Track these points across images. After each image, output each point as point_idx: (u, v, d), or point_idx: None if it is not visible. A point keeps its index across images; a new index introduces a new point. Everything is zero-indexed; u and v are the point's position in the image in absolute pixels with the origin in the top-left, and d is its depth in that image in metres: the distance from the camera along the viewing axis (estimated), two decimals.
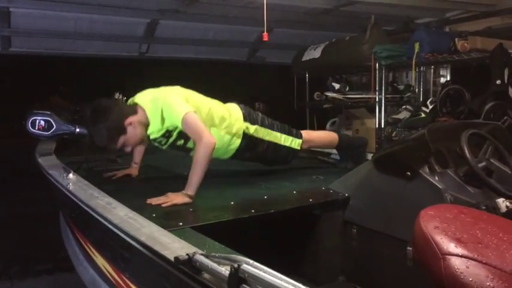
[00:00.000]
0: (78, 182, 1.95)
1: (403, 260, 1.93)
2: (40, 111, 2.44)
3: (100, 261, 1.85)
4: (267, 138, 2.62)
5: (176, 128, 2.30)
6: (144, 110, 2.29)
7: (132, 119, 2.23)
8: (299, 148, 2.73)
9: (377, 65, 4.03)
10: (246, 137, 2.55)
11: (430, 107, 3.68)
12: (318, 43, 4.86)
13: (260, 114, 2.67)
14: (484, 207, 1.71)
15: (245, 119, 2.56)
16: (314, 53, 4.76)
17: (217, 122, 2.44)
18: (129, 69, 6.12)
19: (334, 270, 2.24)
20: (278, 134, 2.66)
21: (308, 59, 4.83)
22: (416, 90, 4.35)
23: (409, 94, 4.26)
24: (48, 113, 2.45)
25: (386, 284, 2.04)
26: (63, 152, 2.95)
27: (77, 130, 2.49)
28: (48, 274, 4.14)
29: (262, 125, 2.62)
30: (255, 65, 6.10)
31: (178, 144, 2.41)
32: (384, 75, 4.07)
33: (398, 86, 4.55)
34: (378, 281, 2.09)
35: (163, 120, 2.26)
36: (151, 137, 2.38)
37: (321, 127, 5.06)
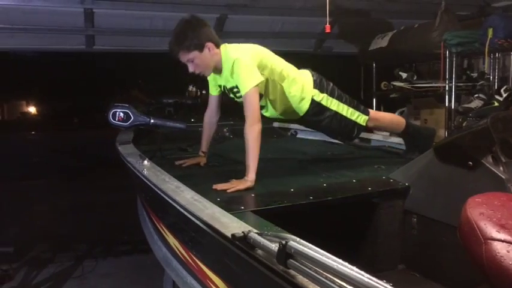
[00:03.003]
0: (152, 168, 2.14)
1: (463, 249, 1.92)
2: (120, 104, 2.68)
3: (171, 240, 2.03)
4: (333, 108, 2.65)
5: None
6: (221, 55, 2.43)
7: (214, 46, 2.39)
8: (364, 124, 2.72)
9: (447, 52, 3.89)
10: (313, 103, 2.61)
11: (504, 95, 3.50)
12: (386, 32, 4.77)
13: (331, 84, 2.69)
14: None
15: (315, 86, 2.62)
16: (381, 42, 4.69)
17: (289, 82, 2.54)
18: None
19: (393, 258, 2.26)
20: (345, 106, 2.67)
21: (375, 48, 4.77)
22: (491, 77, 4.13)
23: (482, 82, 4.07)
24: (127, 105, 2.68)
25: (446, 273, 2.04)
26: (139, 141, 3.22)
27: (151, 121, 2.69)
28: (127, 255, 4.51)
29: (331, 94, 2.65)
30: (322, 55, 6.11)
31: None
32: (454, 62, 3.92)
33: (472, 74, 4.36)
34: (438, 270, 2.08)
35: (232, 74, 2.39)
36: (228, 85, 2.51)
37: None
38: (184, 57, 2.40)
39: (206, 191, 1.99)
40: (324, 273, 0.97)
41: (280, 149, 3.46)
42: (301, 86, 2.59)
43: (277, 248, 1.08)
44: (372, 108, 5.01)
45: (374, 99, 5.00)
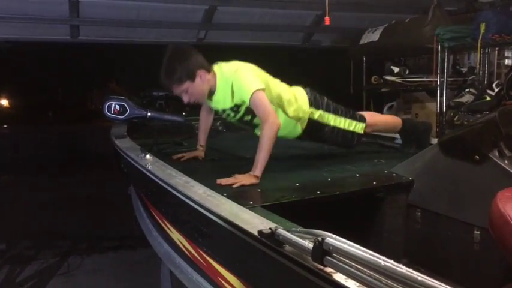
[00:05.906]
0: (156, 162, 2.07)
1: (469, 243, 1.94)
2: (115, 97, 2.60)
3: (176, 236, 1.98)
4: (331, 123, 2.66)
5: (244, 103, 2.37)
6: (216, 76, 2.38)
7: (205, 73, 2.34)
8: (362, 132, 2.74)
9: (439, 47, 3.91)
10: (311, 121, 2.60)
11: (496, 90, 3.53)
12: (376, 26, 4.76)
13: (325, 99, 2.69)
14: None
15: (310, 104, 2.60)
16: (372, 36, 4.67)
17: (285, 105, 2.50)
18: None
19: (397, 252, 2.26)
20: (342, 119, 2.69)
21: (366, 42, 4.75)
22: (481, 72, 4.18)
23: (472, 77, 4.10)
24: (123, 98, 2.60)
25: (451, 266, 2.05)
26: (131, 135, 3.12)
27: (149, 114, 2.63)
28: (113, 251, 4.42)
29: (327, 109, 2.65)
30: (310, 49, 6.09)
31: (245, 120, 2.48)
32: (446, 57, 3.94)
33: (461, 69, 4.40)
34: (443, 263, 2.09)
35: (233, 93, 2.34)
36: (220, 107, 2.47)
37: (378, 111, 4.98)
38: (177, 89, 2.34)
39: (211, 186, 1.93)
40: (367, 271, 0.95)
41: (277, 144, 3.42)
42: (297, 107, 2.55)
43: (311, 245, 1.05)
44: (362, 104, 5.06)
45: (364, 94, 5.00)
